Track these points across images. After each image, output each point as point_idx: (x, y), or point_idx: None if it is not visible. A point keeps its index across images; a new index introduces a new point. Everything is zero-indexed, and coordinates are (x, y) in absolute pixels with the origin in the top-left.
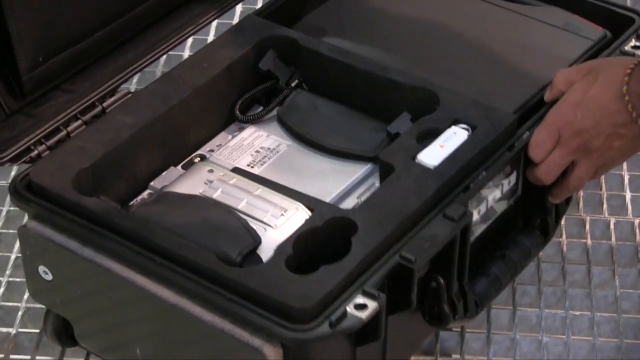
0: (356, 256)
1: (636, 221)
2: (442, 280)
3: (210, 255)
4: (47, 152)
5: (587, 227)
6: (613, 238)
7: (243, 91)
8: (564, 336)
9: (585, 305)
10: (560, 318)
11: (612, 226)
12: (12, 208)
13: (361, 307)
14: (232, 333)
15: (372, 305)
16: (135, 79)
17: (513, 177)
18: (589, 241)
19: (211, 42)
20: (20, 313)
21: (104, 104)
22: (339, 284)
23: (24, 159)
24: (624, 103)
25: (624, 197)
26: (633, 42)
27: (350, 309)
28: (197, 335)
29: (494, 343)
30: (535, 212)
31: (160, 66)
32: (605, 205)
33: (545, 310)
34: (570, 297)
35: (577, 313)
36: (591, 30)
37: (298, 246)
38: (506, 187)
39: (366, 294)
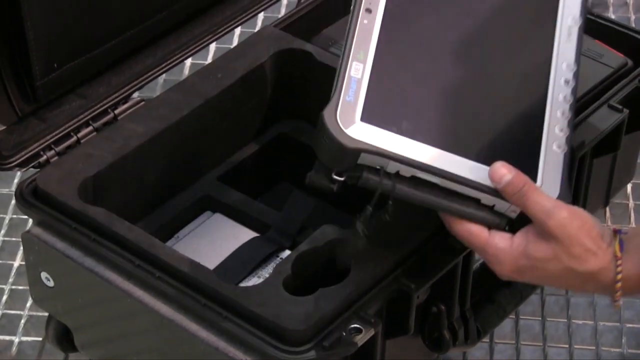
0: (354, 280)
1: None
2: (442, 307)
3: (209, 272)
4: (56, 157)
5: None
6: None
7: (257, 103)
8: (567, 345)
9: (588, 314)
10: (563, 327)
11: None
12: (15, 216)
13: (356, 331)
14: (226, 352)
15: (367, 330)
16: (157, 86)
17: None
18: None
19: (227, 52)
20: (23, 321)
21: (116, 111)
22: (335, 307)
23: (32, 164)
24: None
25: (627, 205)
26: None
27: (344, 333)
28: (192, 352)
29: (497, 352)
30: None
31: (185, 75)
32: (608, 214)
33: (547, 319)
34: (573, 305)
35: (580, 322)
36: (612, 57)
37: (297, 266)
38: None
39: (362, 319)
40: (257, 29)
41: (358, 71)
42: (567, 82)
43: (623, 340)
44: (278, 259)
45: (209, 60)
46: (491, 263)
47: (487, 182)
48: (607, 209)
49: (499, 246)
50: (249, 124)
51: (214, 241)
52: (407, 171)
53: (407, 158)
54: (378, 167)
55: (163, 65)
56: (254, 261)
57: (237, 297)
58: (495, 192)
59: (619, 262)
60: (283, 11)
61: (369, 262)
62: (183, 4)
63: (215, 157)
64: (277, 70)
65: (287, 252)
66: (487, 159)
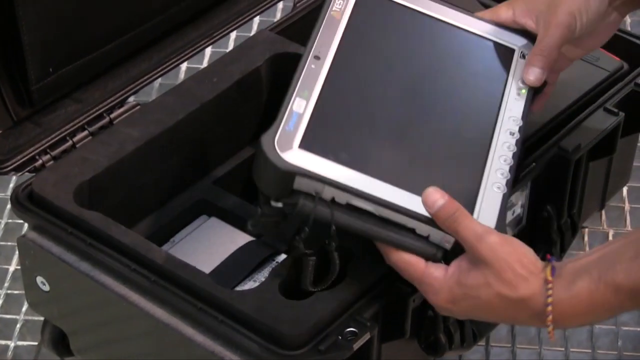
0: (350, 284)
1: None
2: None
3: (205, 276)
4: (51, 162)
5: (586, 238)
6: None
7: (253, 107)
8: (563, 348)
9: None
10: (558, 330)
11: (610, 237)
12: (10, 220)
13: (352, 335)
14: (222, 356)
15: (363, 334)
16: (153, 90)
17: (518, 208)
18: None
19: (222, 56)
20: (18, 325)
21: (112, 116)
22: (331, 311)
23: (27, 169)
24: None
25: (623, 208)
26: None
27: (340, 337)
28: (187, 356)
29: (493, 355)
30: (540, 244)
31: (180, 79)
32: (604, 217)
33: None
34: None
35: None
36: (608, 60)
37: (293, 270)
38: (510, 217)
39: (358, 323)
40: (252, 32)
41: (300, 107)
42: (512, 133)
43: (619, 344)
44: (274, 262)
45: (205, 64)
46: (427, 293)
47: (421, 211)
48: (603, 212)
49: (434, 275)
50: (244, 128)
51: (209, 245)
52: (342, 197)
53: (342, 184)
54: (314, 194)
55: (159, 69)
56: (249, 265)
57: (233, 301)
58: (429, 221)
59: (550, 285)
60: (278, 15)
61: (365, 266)
62: (178, 8)
63: (211, 161)
64: (273, 74)
65: (283, 256)
66: (423, 191)
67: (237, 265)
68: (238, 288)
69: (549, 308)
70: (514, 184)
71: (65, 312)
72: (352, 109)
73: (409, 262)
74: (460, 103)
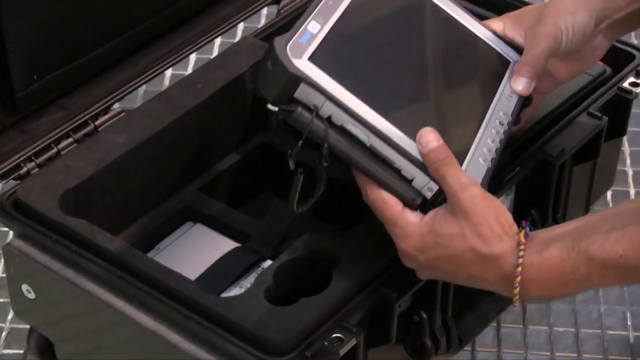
0: (336, 290)
1: None
2: (424, 315)
3: (190, 282)
4: (37, 169)
5: None
6: None
7: (238, 113)
8: (549, 353)
9: (570, 321)
10: (544, 334)
11: None
12: None
13: (338, 341)
14: None
15: (349, 339)
16: (138, 97)
17: None
18: None
19: (207, 63)
20: (4, 334)
21: (97, 123)
22: (317, 317)
23: (12, 176)
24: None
25: None
26: (632, 79)
27: (326, 343)
28: None
29: None
30: None
31: (165, 85)
32: None
33: (529, 327)
34: (555, 313)
35: (562, 329)
36: None
37: (278, 276)
38: None
39: (344, 328)
40: (237, 39)
41: (315, 29)
42: (501, 123)
43: (604, 348)
44: (259, 269)
45: (189, 70)
46: (398, 237)
47: (412, 152)
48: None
49: (408, 219)
50: (230, 134)
51: (195, 252)
52: (339, 118)
53: (343, 102)
54: (312, 107)
55: (144, 76)
56: (235, 271)
57: (218, 308)
58: (418, 164)
59: (522, 247)
60: (263, 21)
61: (350, 271)
62: (163, 15)
63: (196, 168)
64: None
65: (269, 262)
66: (417, 136)
67: (222, 272)
68: (224, 294)
69: (519, 269)
70: (498, 188)
71: (51, 320)
72: (364, 46)
73: (387, 202)
74: (460, 83)
